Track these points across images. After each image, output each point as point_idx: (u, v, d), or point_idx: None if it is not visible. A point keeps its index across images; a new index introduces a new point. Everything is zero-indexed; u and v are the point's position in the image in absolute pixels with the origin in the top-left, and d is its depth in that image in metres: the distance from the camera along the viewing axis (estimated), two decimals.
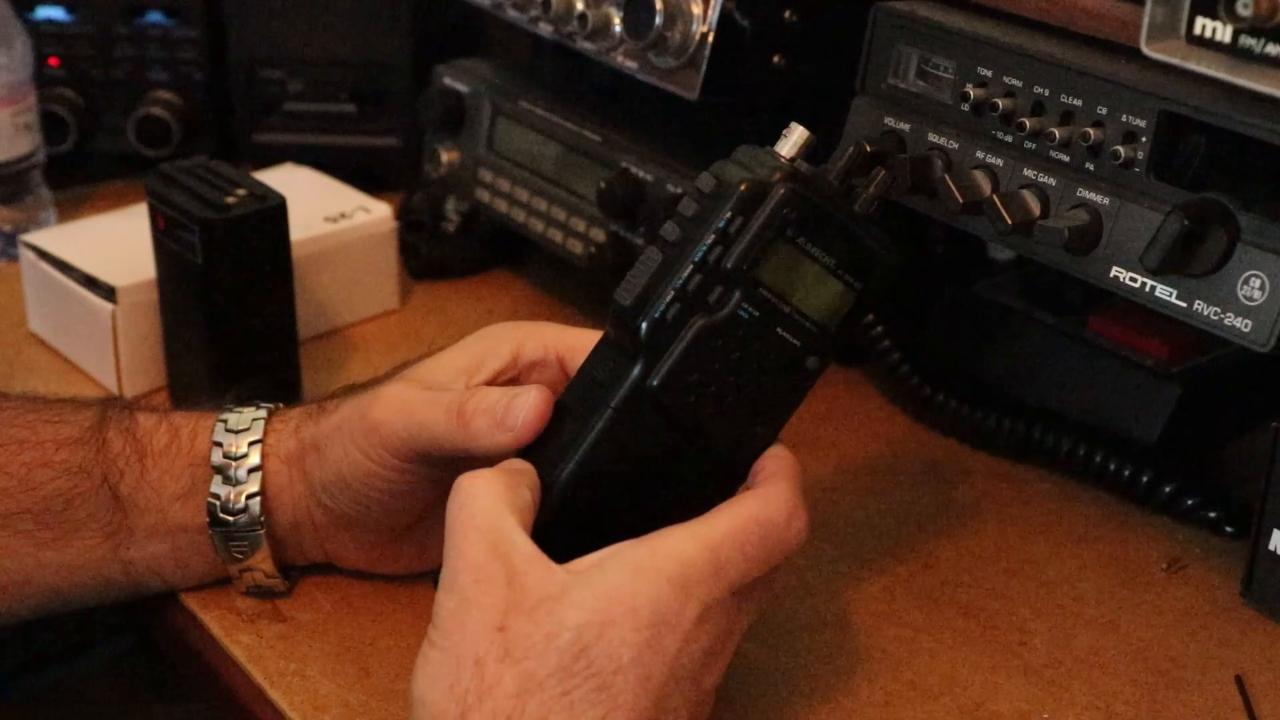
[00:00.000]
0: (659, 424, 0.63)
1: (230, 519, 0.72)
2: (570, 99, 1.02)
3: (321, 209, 1.02)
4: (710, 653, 0.61)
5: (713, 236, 0.62)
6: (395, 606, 0.76)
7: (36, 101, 1.09)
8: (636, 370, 0.63)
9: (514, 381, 0.70)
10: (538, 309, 1.06)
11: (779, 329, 0.63)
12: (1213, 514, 0.83)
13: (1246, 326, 0.67)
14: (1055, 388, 0.90)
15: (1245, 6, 0.60)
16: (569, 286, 1.07)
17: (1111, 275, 0.71)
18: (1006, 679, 0.73)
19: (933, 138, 0.77)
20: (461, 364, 0.70)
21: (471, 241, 1.10)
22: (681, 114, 0.91)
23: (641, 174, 0.94)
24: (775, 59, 0.87)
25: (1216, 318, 0.68)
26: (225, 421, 0.73)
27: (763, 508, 0.62)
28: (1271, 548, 0.76)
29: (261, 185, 0.87)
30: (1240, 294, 0.67)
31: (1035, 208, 0.73)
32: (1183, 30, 0.63)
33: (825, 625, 0.76)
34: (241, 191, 0.86)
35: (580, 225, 0.98)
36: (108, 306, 0.92)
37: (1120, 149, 0.70)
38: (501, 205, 1.04)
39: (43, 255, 0.97)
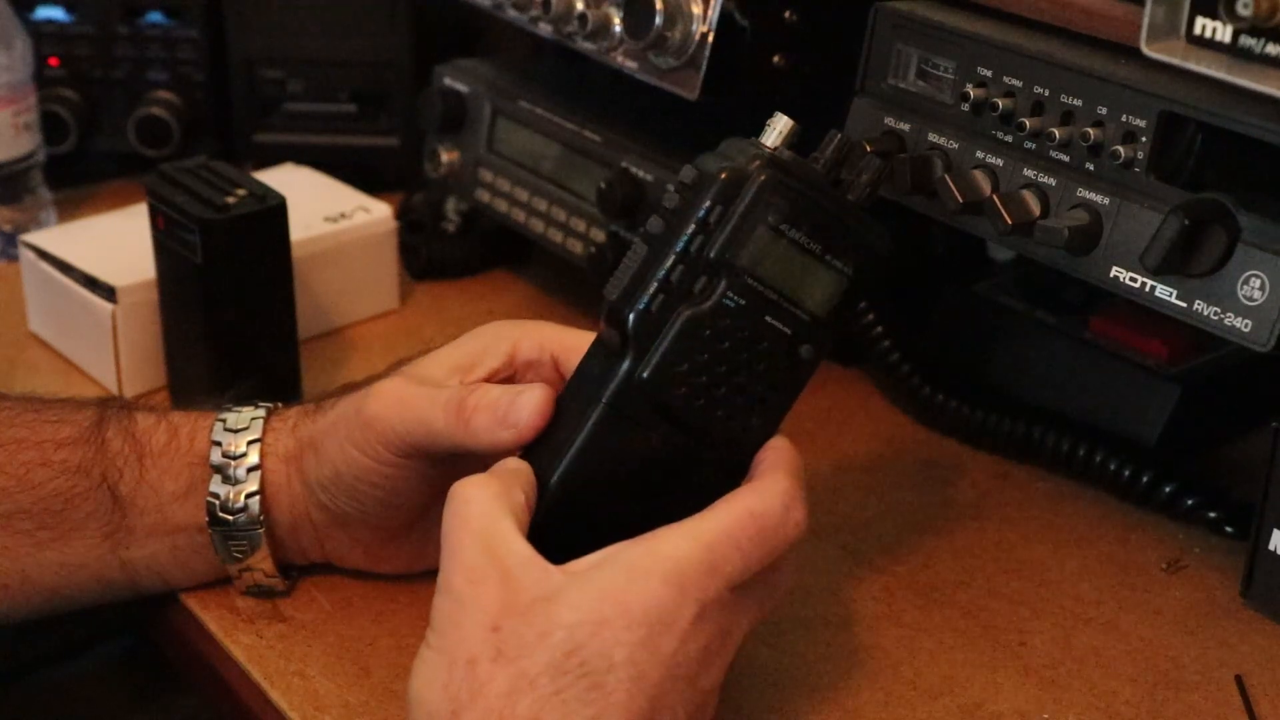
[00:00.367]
0: (653, 418, 0.63)
1: (229, 518, 0.72)
2: (570, 99, 1.02)
3: (321, 209, 1.02)
4: (709, 651, 0.61)
5: (693, 226, 0.62)
6: (395, 606, 0.76)
7: (36, 101, 1.09)
8: (626, 363, 0.63)
9: (508, 381, 0.70)
10: (538, 309, 1.06)
11: (767, 317, 0.63)
12: (1213, 514, 0.83)
13: (1246, 326, 0.67)
14: (1055, 388, 0.90)
15: (1245, 6, 0.60)
16: (569, 286, 1.07)
17: (1111, 275, 0.71)
18: (1006, 679, 0.73)
19: (933, 138, 0.77)
20: (457, 361, 0.70)
21: (471, 241, 1.10)
22: (681, 114, 0.91)
23: (641, 174, 0.94)
24: (775, 59, 0.87)
25: (1216, 318, 0.68)
26: (224, 421, 0.73)
27: (758, 500, 0.62)
28: (1271, 548, 0.76)
29: (261, 185, 0.87)
30: (1240, 294, 0.67)
31: (1035, 208, 0.73)
32: (1183, 30, 0.63)
33: (825, 625, 0.76)
34: (241, 191, 0.86)
35: (580, 225, 0.98)
36: (108, 306, 0.92)
37: (1120, 149, 0.70)
38: (501, 205, 1.04)
39: (43, 255, 0.97)
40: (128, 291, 0.92)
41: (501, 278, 1.11)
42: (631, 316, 0.63)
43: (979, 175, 0.75)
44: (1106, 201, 0.71)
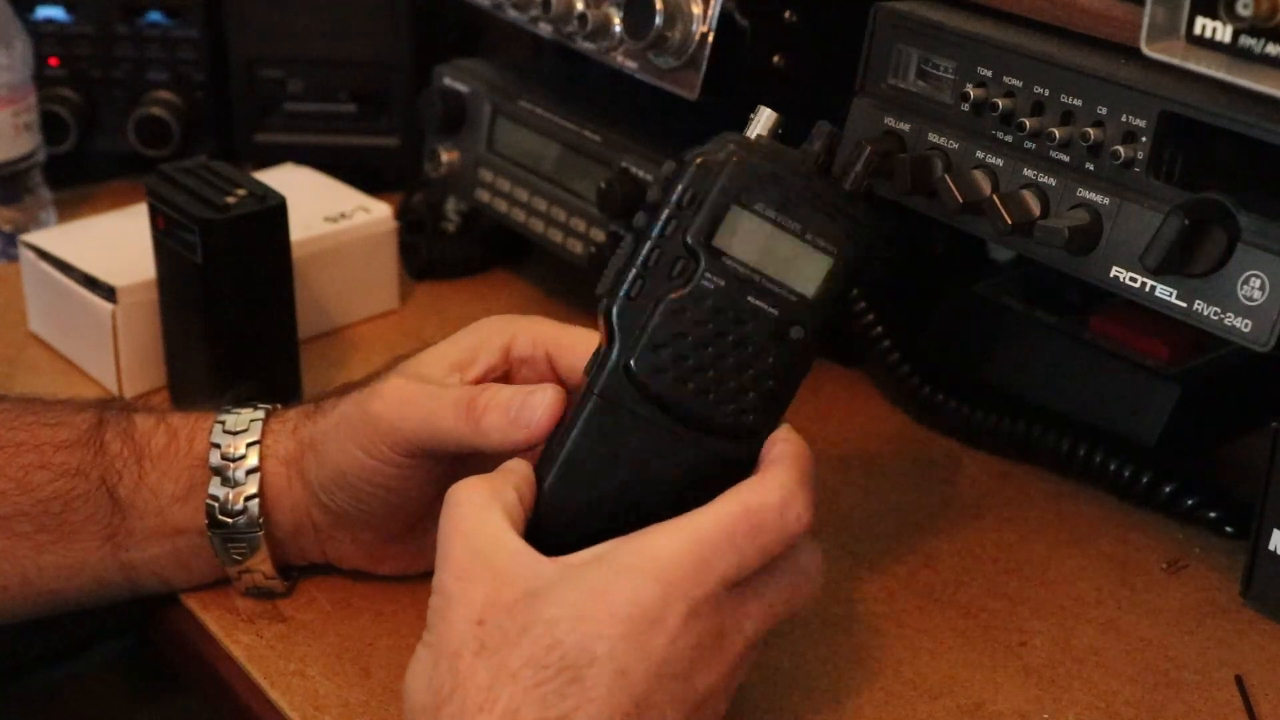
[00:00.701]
0: (645, 406, 0.63)
1: (229, 521, 0.72)
2: (570, 99, 1.02)
3: (321, 209, 1.02)
4: (703, 649, 0.60)
5: (668, 211, 0.63)
6: (395, 606, 0.76)
7: (36, 101, 1.09)
8: (615, 352, 0.63)
9: (504, 378, 0.70)
10: (537, 309, 1.06)
11: (750, 297, 0.63)
12: (1213, 514, 0.83)
13: (1246, 326, 0.67)
14: (1055, 388, 0.90)
15: (1245, 6, 0.60)
16: (569, 286, 1.07)
17: (1111, 275, 0.71)
18: (1006, 679, 0.73)
19: (933, 138, 0.77)
20: (455, 358, 0.70)
21: (471, 241, 1.10)
22: (681, 114, 0.91)
23: (641, 174, 0.94)
24: (775, 59, 0.87)
25: (1216, 318, 0.68)
26: (223, 423, 0.73)
27: (753, 495, 0.61)
28: (1271, 548, 0.76)
29: (261, 185, 0.87)
30: (1240, 294, 0.67)
31: (1035, 208, 0.73)
32: (1183, 30, 0.63)
33: (825, 625, 0.76)
34: (241, 191, 0.86)
35: (580, 225, 0.98)
36: (108, 306, 0.92)
37: (1120, 149, 0.70)
38: (501, 205, 1.04)
39: (43, 255, 0.97)
40: (128, 291, 0.92)
41: (501, 278, 1.11)
42: (615, 306, 0.63)
43: (979, 175, 0.75)
44: (1106, 201, 0.71)
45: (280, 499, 0.73)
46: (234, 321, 0.87)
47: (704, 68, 0.84)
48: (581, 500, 0.64)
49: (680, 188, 0.63)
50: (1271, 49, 0.60)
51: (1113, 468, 0.84)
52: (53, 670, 0.91)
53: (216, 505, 0.72)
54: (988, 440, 0.90)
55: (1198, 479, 0.84)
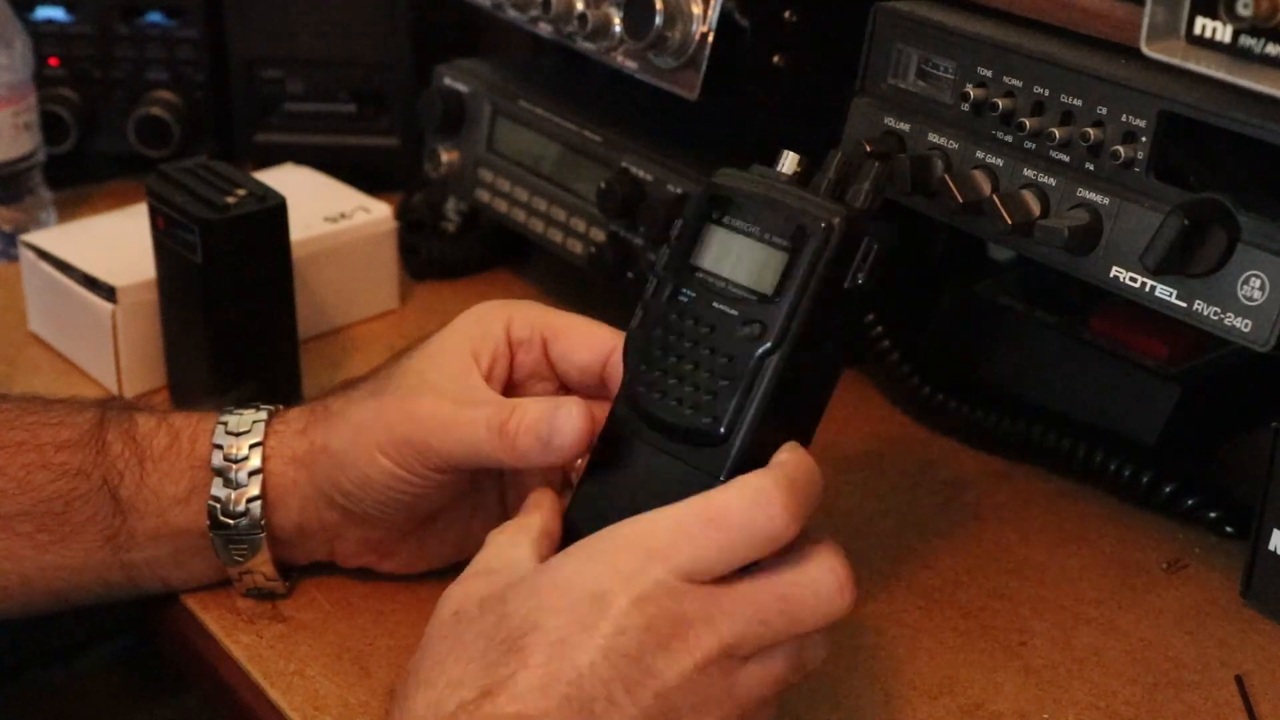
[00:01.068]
0: (640, 426, 0.64)
1: (230, 522, 0.72)
2: (570, 99, 1.02)
3: (321, 209, 1.02)
4: (654, 633, 0.58)
5: (666, 247, 0.66)
6: (395, 606, 0.76)
7: (36, 101, 1.09)
8: (624, 381, 0.66)
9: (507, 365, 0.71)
10: None
11: (715, 303, 0.64)
12: (1213, 514, 0.83)
13: (1246, 326, 0.67)
14: (1055, 388, 0.90)
15: (1245, 6, 0.60)
16: (569, 286, 1.07)
17: (1111, 275, 0.71)
18: (1006, 679, 0.73)
19: (933, 138, 0.77)
20: (465, 354, 0.70)
21: (471, 241, 1.10)
22: (681, 114, 0.91)
23: (641, 174, 0.94)
24: (775, 59, 0.87)
25: (1216, 318, 0.68)
26: (225, 424, 0.73)
27: (719, 493, 0.60)
28: (1271, 548, 0.76)
29: (261, 185, 0.87)
30: (1240, 294, 0.67)
31: (1035, 208, 0.73)
32: (1183, 30, 0.63)
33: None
34: (241, 191, 0.86)
35: (580, 225, 0.98)
36: (108, 306, 0.92)
37: (1120, 149, 0.70)
38: (501, 205, 1.04)
39: (43, 255, 0.97)
40: (128, 291, 0.92)
41: (501, 278, 1.11)
42: (625, 340, 0.66)
43: (979, 175, 0.75)
44: (1106, 201, 0.71)
45: (286, 499, 0.73)
46: (234, 321, 0.87)
47: (704, 68, 0.84)
48: (594, 525, 0.63)
49: (678, 223, 0.66)
50: (1271, 49, 0.60)
51: (1113, 468, 0.84)
52: (53, 670, 0.91)
53: (218, 507, 0.72)
54: (988, 440, 0.90)
55: (1198, 479, 0.84)
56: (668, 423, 0.64)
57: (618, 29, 0.87)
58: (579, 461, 0.68)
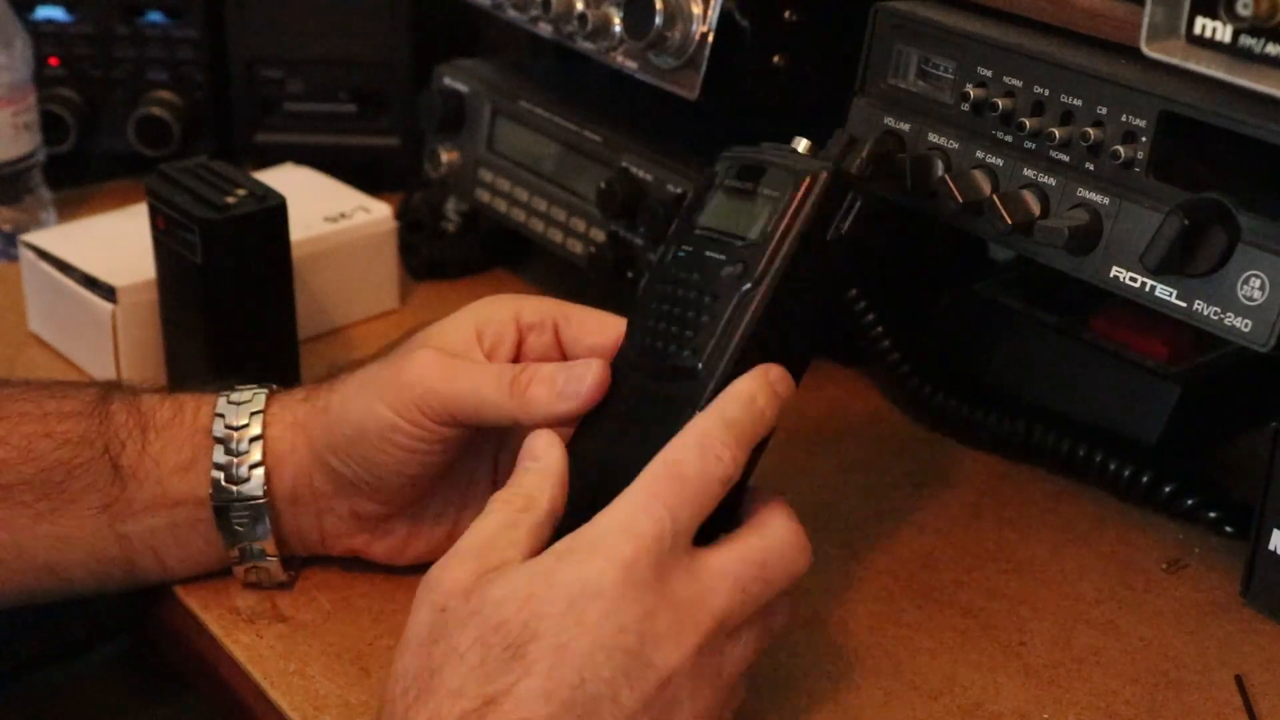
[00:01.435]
0: (633, 373, 0.66)
1: (233, 489, 0.72)
2: (570, 99, 1.02)
3: (321, 209, 1.02)
4: (652, 619, 0.58)
5: (677, 219, 0.69)
6: (395, 606, 0.76)
7: (36, 101, 1.09)
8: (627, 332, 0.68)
9: (516, 350, 0.72)
10: None
11: (707, 252, 0.66)
12: (1213, 514, 0.83)
13: (1246, 326, 0.67)
14: (1055, 388, 0.90)
15: (1245, 6, 0.60)
16: (569, 286, 1.07)
17: (1111, 275, 0.71)
18: (1006, 679, 0.73)
19: (933, 138, 0.77)
20: (469, 331, 0.71)
21: (471, 241, 1.10)
22: (681, 114, 0.91)
23: (641, 174, 0.94)
24: (775, 59, 0.87)
25: (1216, 318, 0.68)
26: (228, 396, 0.74)
27: (670, 448, 0.61)
28: (1271, 548, 0.76)
29: (261, 185, 0.87)
30: (1240, 294, 0.67)
31: (1035, 208, 0.73)
32: (1183, 30, 0.63)
33: (825, 625, 0.76)
34: (241, 191, 0.86)
35: (580, 225, 0.98)
36: (108, 306, 0.92)
37: (1120, 149, 0.70)
38: (501, 205, 1.04)
39: (43, 255, 0.97)
40: (128, 291, 0.92)
41: (501, 278, 1.11)
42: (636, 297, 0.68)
43: (979, 175, 0.75)
44: (1106, 201, 0.71)
45: (281, 464, 0.73)
46: (234, 321, 0.87)
47: (704, 68, 0.84)
48: (591, 477, 0.65)
49: (690, 193, 0.69)
50: (1271, 49, 0.60)
51: (1113, 468, 0.84)
52: (52, 670, 0.91)
53: (221, 474, 0.72)
54: (987, 440, 0.90)
55: (1198, 479, 0.84)
56: (653, 361, 0.65)
57: (618, 29, 0.87)
58: None
